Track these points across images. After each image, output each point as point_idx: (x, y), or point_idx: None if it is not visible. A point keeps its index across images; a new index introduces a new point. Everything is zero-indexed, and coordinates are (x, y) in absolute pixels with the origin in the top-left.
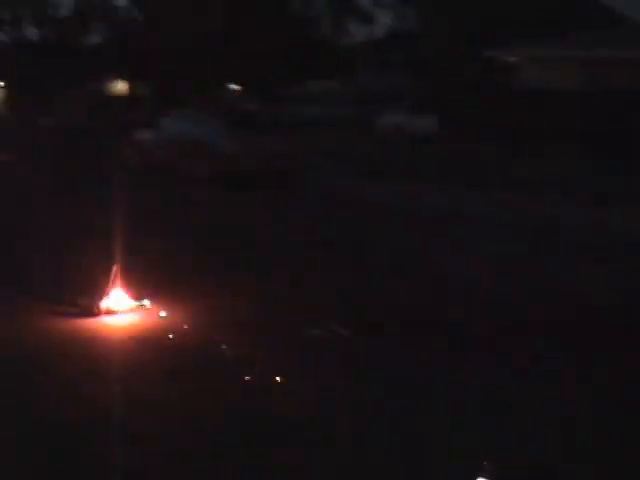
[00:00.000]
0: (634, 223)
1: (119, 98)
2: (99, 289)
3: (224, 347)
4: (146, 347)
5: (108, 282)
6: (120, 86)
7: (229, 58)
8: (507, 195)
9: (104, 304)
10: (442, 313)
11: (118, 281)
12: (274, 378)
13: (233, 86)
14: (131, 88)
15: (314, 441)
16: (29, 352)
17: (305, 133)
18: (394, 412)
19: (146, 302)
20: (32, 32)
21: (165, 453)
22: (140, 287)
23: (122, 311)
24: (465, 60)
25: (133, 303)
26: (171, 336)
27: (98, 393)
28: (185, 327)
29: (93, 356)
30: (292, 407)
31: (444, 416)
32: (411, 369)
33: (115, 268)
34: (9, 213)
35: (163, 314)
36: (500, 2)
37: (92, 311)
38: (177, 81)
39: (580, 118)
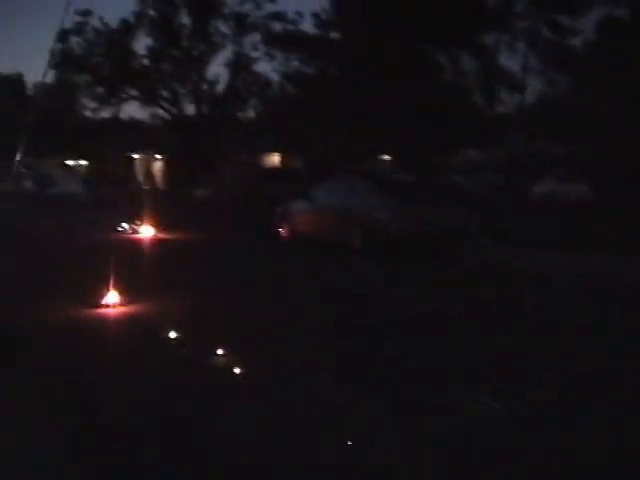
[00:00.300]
0: None
1: (273, 170)
2: None
3: None
4: None
5: None
6: (274, 158)
7: (381, 128)
8: None
9: None
10: None
11: None
12: None
13: (385, 156)
14: (284, 160)
15: None
16: None
17: (458, 202)
18: None
19: None
20: (189, 107)
21: None
22: None
23: None
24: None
25: None
26: None
27: None
28: None
29: None
30: None
31: None
32: None
33: None
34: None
35: None
36: None
37: None
38: (329, 152)
39: None
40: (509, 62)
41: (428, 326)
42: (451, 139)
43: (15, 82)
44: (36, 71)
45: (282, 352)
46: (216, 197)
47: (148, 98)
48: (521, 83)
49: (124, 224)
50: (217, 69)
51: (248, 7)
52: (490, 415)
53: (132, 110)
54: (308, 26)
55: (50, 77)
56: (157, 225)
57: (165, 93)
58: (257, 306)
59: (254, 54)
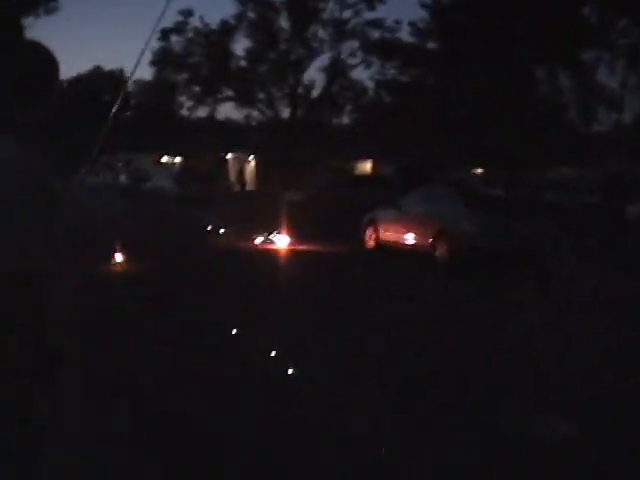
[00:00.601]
0: None
1: (364, 176)
2: None
3: None
4: None
5: None
6: (366, 165)
7: (475, 140)
8: None
9: None
10: None
11: None
12: None
13: (477, 170)
14: (376, 167)
15: None
16: None
17: (549, 218)
18: None
19: None
20: (284, 111)
21: None
22: None
23: None
24: None
25: None
26: None
27: None
28: None
29: None
30: None
31: None
32: None
33: None
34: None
35: None
36: None
37: None
38: (421, 162)
39: None
40: (608, 80)
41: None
42: (545, 155)
43: (116, 78)
44: (138, 68)
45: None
46: (307, 201)
47: (244, 99)
48: (619, 102)
49: (266, 236)
50: (314, 74)
51: (347, 14)
52: None
53: (228, 110)
54: (405, 34)
55: (150, 75)
56: (291, 234)
57: (261, 95)
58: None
59: (351, 61)
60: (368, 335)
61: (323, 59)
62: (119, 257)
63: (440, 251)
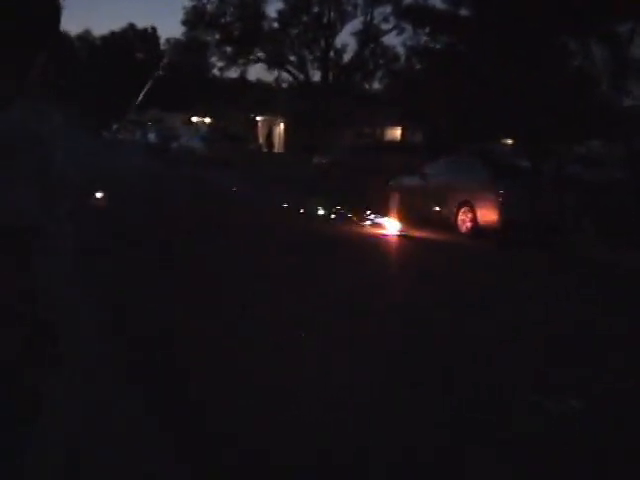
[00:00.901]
0: None
1: (392, 143)
2: None
3: None
4: None
5: None
6: (396, 132)
7: (505, 111)
8: None
9: None
10: None
11: None
12: None
13: (506, 140)
14: (406, 134)
15: None
16: None
17: (575, 193)
18: None
19: None
20: (315, 74)
21: None
22: None
23: None
24: None
25: None
26: None
27: None
28: None
29: None
30: None
31: None
32: None
33: None
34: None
35: None
36: None
37: None
38: (450, 130)
39: None
40: None
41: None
42: (575, 128)
43: (149, 36)
44: (170, 26)
45: None
46: (331, 165)
47: (275, 61)
48: None
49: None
50: (346, 38)
51: None
52: None
53: (258, 72)
54: (439, 1)
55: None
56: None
57: (292, 58)
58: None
59: (384, 26)
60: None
61: (355, 23)
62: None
63: (463, 222)
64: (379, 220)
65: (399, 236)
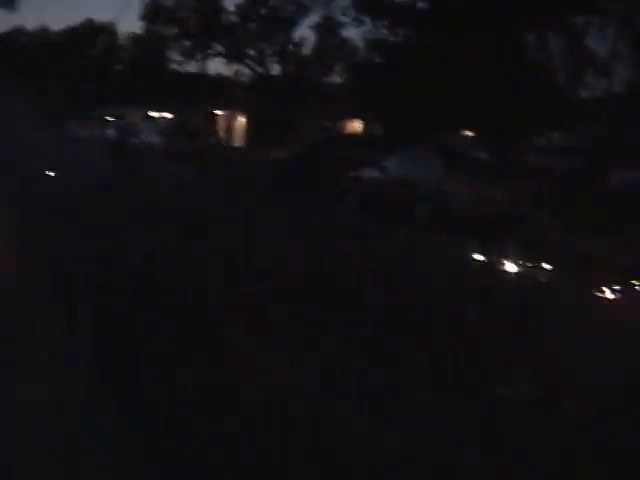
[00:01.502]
0: None
1: (351, 136)
2: None
3: None
4: None
5: None
6: (356, 125)
7: (464, 103)
8: None
9: None
10: None
11: None
12: None
13: (466, 132)
14: (367, 128)
15: None
16: None
17: (530, 183)
18: None
19: None
20: (274, 68)
21: None
22: None
23: None
24: None
25: None
26: None
27: None
28: None
29: None
30: None
31: None
32: None
33: None
34: None
35: None
36: None
37: None
38: (408, 123)
39: None
40: (598, 46)
41: None
42: (532, 119)
43: (107, 31)
44: (128, 22)
45: None
46: (288, 159)
47: (234, 55)
48: (608, 67)
49: None
50: (304, 32)
51: None
52: None
53: (217, 67)
54: None
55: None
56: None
57: (251, 52)
58: None
59: (342, 19)
60: None
61: (314, 17)
62: None
63: (420, 214)
64: None
65: None
